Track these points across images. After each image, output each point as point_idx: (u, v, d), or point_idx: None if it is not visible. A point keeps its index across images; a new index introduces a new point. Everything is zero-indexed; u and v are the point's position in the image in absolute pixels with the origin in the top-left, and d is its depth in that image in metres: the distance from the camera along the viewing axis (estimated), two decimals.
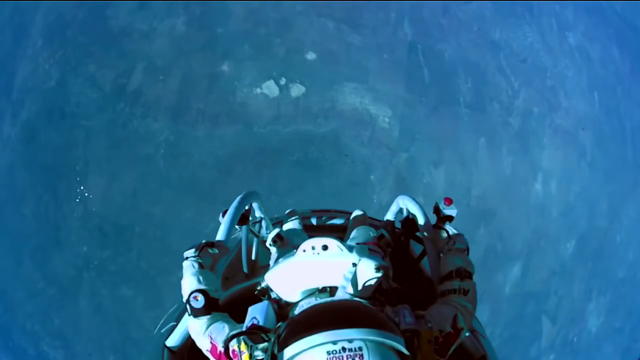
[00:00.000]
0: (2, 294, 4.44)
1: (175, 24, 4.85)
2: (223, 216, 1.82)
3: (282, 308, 1.42)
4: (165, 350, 1.63)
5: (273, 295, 1.51)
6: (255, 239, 2.20)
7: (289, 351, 1.09)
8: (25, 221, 4.49)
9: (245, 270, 2.11)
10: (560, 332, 5.10)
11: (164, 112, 4.66)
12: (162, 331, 1.72)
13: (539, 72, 5.40)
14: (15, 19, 4.83)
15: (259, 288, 1.59)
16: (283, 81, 4.79)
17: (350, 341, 1.07)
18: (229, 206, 1.86)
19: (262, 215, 2.21)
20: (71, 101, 4.65)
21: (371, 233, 1.87)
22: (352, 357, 1.04)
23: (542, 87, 5.36)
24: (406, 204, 2.08)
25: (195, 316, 1.41)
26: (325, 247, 1.49)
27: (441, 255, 1.66)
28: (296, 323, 1.15)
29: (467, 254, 1.64)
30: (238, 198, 1.90)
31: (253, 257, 2.16)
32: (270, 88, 4.77)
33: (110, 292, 4.46)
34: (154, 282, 4.39)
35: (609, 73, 5.63)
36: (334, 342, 1.07)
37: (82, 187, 4.50)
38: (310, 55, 4.89)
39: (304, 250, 1.50)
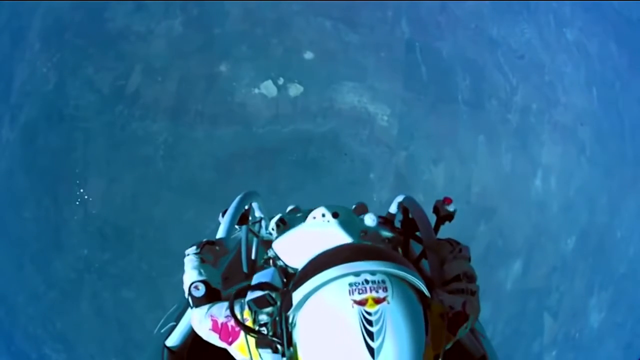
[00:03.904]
0: (3, 298, 4.44)
1: (173, 26, 4.85)
2: (223, 216, 1.83)
3: (288, 277, 1.40)
4: (165, 350, 1.63)
5: (279, 264, 1.51)
6: (255, 239, 2.21)
7: (304, 288, 1.02)
8: (25, 225, 4.49)
9: (245, 270, 2.11)
10: (562, 328, 5.10)
11: (163, 113, 4.66)
12: (162, 331, 1.72)
13: (537, 69, 5.39)
14: (12, 22, 4.83)
15: (265, 257, 1.59)
16: (281, 81, 4.79)
17: (372, 273, 1.01)
18: (229, 206, 1.86)
19: (262, 215, 2.22)
20: (70, 104, 4.65)
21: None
22: (375, 289, 0.98)
23: (540, 83, 5.37)
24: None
25: (196, 305, 1.40)
26: (335, 215, 1.49)
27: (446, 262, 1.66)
28: (311, 264, 1.10)
29: (469, 261, 1.65)
30: (238, 198, 1.91)
31: (253, 257, 2.16)
32: (268, 88, 4.77)
33: (111, 295, 4.46)
34: (155, 283, 4.39)
35: (607, 68, 5.62)
36: (356, 274, 1.00)
37: (81, 190, 4.50)
38: (308, 55, 4.89)
39: (314, 218, 1.51)
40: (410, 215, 1.99)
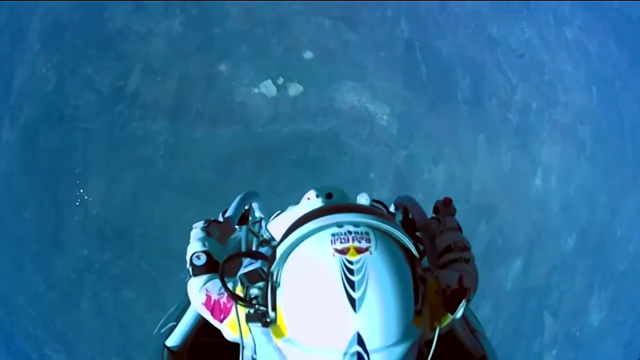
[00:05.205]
0: (3, 298, 4.44)
1: (172, 25, 4.85)
2: (223, 216, 1.84)
3: None
4: (165, 350, 1.63)
5: (274, 244, 1.52)
6: (255, 239, 2.21)
7: (287, 241, 1.00)
8: (25, 225, 4.49)
9: None
10: (563, 327, 5.10)
11: (162, 113, 4.66)
12: (162, 331, 1.72)
13: (536, 67, 5.39)
14: (12, 23, 4.83)
15: (260, 240, 1.60)
16: (281, 80, 4.79)
17: (356, 225, 0.98)
18: (229, 206, 1.87)
19: (262, 215, 2.22)
20: (69, 104, 4.65)
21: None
22: (357, 239, 0.95)
23: (540, 82, 5.36)
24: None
25: (195, 275, 1.38)
26: (329, 195, 1.49)
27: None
28: (295, 222, 1.07)
29: (461, 232, 1.63)
30: (238, 198, 1.92)
31: None
32: (268, 88, 4.77)
33: (112, 295, 4.46)
34: (156, 283, 4.39)
35: (606, 67, 5.62)
36: (339, 225, 0.98)
37: (81, 190, 4.50)
38: (308, 54, 4.89)
39: (308, 199, 1.51)
40: (410, 216, 1.99)
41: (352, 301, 0.90)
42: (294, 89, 4.79)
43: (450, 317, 1.22)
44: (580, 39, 5.60)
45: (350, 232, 0.97)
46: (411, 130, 4.93)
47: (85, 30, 4.80)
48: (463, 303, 1.23)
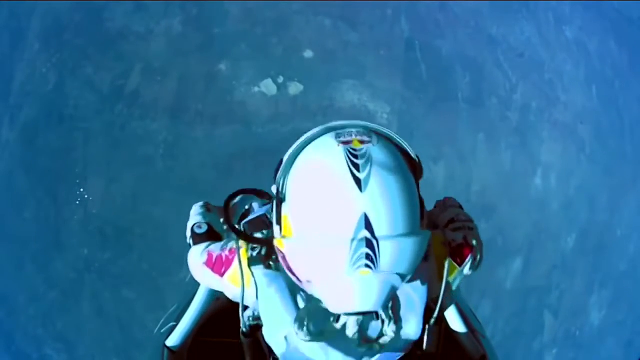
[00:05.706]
0: (3, 298, 4.44)
1: (172, 25, 4.85)
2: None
3: None
4: (165, 350, 1.64)
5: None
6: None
7: (292, 147, 1.10)
8: (25, 225, 4.49)
9: None
10: (563, 326, 5.10)
11: (162, 113, 4.66)
12: (162, 331, 1.73)
13: (536, 67, 5.39)
14: (11, 23, 4.83)
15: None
16: (281, 80, 4.80)
17: (358, 129, 1.07)
18: None
19: None
20: (69, 104, 4.65)
21: None
22: (360, 135, 1.02)
23: (540, 81, 5.36)
24: None
25: (196, 243, 1.42)
26: None
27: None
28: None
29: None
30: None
31: None
32: (268, 87, 4.77)
33: (112, 295, 4.46)
34: (156, 283, 4.38)
35: (606, 66, 5.61)
36: (342, 128, 1.08)
37: (82, 190, 4.50)
38: (308, 54, 4.89)
39: None
40: None
41: (357, 181, 0.92)
42: (294, 88, 4.80)
43: (457, 271, 1.25)
44: (580, 38, 5.59)
45: (352, 132, 1.05)
46: (411, 129, 4.92)
47: (85, 30, 4.79)
48: (470, 258, 1.25)
